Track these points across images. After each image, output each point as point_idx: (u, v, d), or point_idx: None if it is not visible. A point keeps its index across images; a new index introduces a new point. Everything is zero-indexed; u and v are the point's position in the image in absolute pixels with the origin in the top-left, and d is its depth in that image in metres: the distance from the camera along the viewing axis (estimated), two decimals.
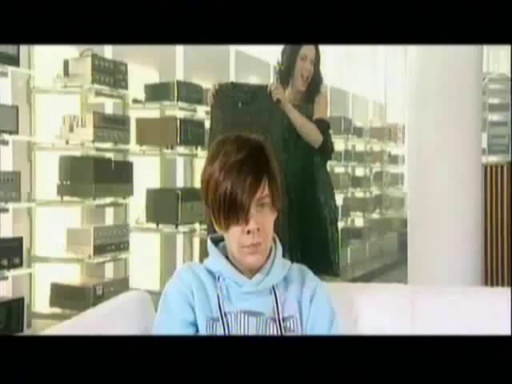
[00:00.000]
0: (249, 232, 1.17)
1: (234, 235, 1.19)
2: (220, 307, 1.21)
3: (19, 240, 2.90)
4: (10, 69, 2.87)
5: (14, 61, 2.84)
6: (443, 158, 3.03)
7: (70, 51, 3.40)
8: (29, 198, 3.26)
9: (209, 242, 1.28)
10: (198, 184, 4.41)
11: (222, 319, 1.20)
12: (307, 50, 2.69)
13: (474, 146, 3.05)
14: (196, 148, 4.14)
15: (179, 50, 4.49)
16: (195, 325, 1.22)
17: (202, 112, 4.32)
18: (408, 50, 3.17)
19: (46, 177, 3.34)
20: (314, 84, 2.72)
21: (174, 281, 1.26)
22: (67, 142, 3.31)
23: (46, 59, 3.33)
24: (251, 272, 1.23)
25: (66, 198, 3.34)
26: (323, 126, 2.68)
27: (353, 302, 1.44)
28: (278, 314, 1.22)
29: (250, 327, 1.21)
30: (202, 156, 4.29)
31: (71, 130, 3.29)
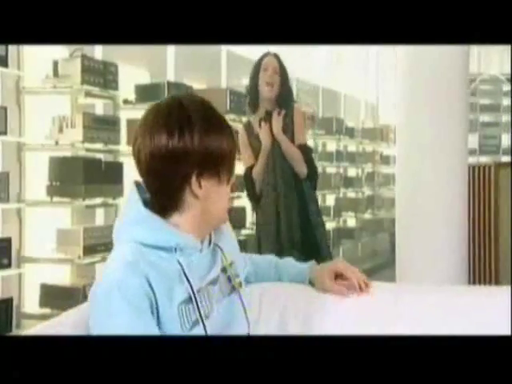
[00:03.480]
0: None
1: (225, 194, 1.16)
2: (191, 286, 1.09)
3: (8, 240, 2.91)
4: None
5: (2, 61, 2.84)
6: (430, 159, 3.06)
7: (59, 52, 3.41)
8: (18, 198, 3.27)
9: (155, 216, 1.11)
10: None
11: (195, 298, 1.10)
12: (268, 60, 2.77)
13: (460, 146, 3.08)
14: None
15: (170, 50, 4.51)
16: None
17: None
18: (396, 50, 3.19)
19: (36, 177, 3.34)
20: (283, 91, 2.73)
21: (121, 276, 1.04)
22: (57, 143, 3.32)
23: (36, 60, 3.34)
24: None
25: (55, 199, 3.35)
26: (307, 153, 2.76)
27: (339, 301, 1.45)
28: (226, 262, 1.19)
29: (215, 295, 1.15)
30: None
31: (61, 130, 3.30)
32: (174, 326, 1.08)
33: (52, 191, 3.34)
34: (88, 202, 3.41)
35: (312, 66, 6.53)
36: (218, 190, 1.13)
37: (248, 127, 2.80)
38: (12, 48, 3.08)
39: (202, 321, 1.11)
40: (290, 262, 1.46)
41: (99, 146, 3.48)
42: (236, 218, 4.54)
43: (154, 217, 1.12)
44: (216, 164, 1.11)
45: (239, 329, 1.20)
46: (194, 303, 1.10)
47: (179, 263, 1.10)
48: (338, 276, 1.40)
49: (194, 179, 1.10)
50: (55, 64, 3.35)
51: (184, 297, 1.10)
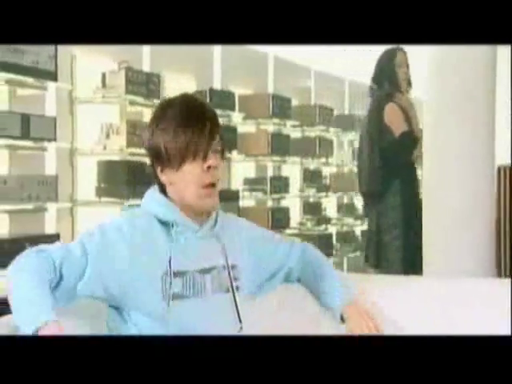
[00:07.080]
0: (209, 168, 1.23)
1: (191, 174, 1.23)
2: (172, 263, 1.21)
3: (57, 236, 3.23)
4: (49, 84, 3.20)
5: (52, 76, 3.16)
6: (457, 160, 3.07)
7: (108, 64, 3.71)
8: (70, 198, 3.61)
9: (157, 192, 1.28)
10: (232, 186, 4.64)
11: (181, 276, 1.21)
12: (401, 57, 2.99)
13: (487, 147, 3.06)
14: (230, 152, 4.37)
15: (217, 57, 4.72)
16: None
17: (235, 118, 4.54)
18: (424, 51, 3.22)
19: (86, 179, 3.67)
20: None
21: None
22: (105, 148, 3.63)
23: (87, 72, 3.66)
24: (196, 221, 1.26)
25: (103, 199, 3.66)
26: None
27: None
28: (227, 261, 1.27)
29: (206, 283, 1.24)
30: (235, 159, 4.53)
31: (108, 136, 3.61)
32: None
33: (100, 192, 3.65)
34: (132, 202, 3.68)
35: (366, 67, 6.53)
36: (188, 168, 1.22)
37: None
38: (65, 62, 3.41)
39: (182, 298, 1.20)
40: (333, 283, 1.41)
41: (143, 150, 3.73)
42: (278, 218, 4.69)
43: (160, 194, 1.31)
44: (165, 157, 1.25)
45: (225, 328, 1.24)
46: (179, 279, 1.20)
47: (171, 235, 1.23)
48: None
49: (159, 170, 1.28)
50: (103, 76, 3.66)
51: (167, 270, 1.21)
